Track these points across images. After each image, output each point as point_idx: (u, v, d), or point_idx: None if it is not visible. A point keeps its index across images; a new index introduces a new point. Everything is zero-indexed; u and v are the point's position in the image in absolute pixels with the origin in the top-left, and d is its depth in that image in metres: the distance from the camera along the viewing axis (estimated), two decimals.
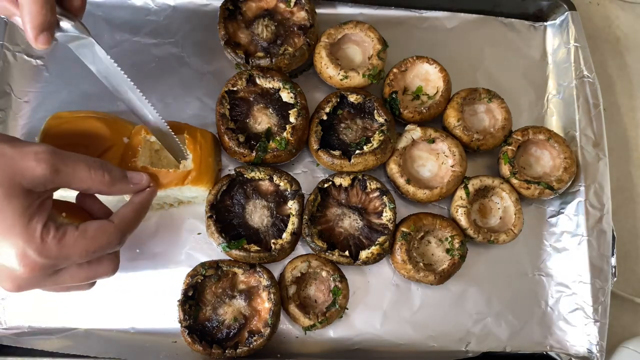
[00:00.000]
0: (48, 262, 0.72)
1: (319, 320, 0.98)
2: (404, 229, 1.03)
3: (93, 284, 0.87)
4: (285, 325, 1.04)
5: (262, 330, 0.96)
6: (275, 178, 1.02)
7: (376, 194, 1.04)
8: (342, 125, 1.08)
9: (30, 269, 0.71)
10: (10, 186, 0.70)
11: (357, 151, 1.02)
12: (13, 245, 0.70)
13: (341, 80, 1.07)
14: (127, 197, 0.99)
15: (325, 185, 1.04)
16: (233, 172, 1.03)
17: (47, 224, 0.72)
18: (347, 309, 1.04)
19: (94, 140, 0.95)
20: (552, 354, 1.07)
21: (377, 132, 1.04)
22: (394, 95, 1.09)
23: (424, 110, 1.07)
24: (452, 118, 1.08)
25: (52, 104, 1.10)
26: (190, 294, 0.97)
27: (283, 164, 1.08)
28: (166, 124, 0.94)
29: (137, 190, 0.90)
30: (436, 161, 1.10)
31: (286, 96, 1.05)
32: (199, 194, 1.02)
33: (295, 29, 1.11)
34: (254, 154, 1.01)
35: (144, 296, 1.03)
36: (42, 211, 0.73)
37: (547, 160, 1.12)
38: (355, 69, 1.07)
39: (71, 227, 0.75)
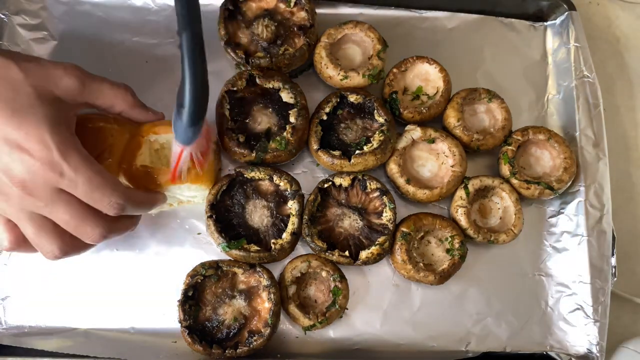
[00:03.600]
0: (59, 166, 0.73)
1: (319, 320, 0.98)
2: (404, 229, 1.03)
3: (72, 244, 0.83)
4: (285, 325, 1.04)
5: (262, 330, 0.96)
6: (275, 178, 1.02)
7: (376, 194, 1.04)
8: (342, 125, 1.08)
9: (41, 162, 0.72)
10: (43, 90, 0.76)
11: (357, 151, 1.02)
12: (37, 136, 0.72)
13: (341, 80, 1.07)
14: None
15: (325, 185, 1.04)
16: (233, 172, 1.03)
17: (75, 137, 0.77)
18: (347, 309, 1.04)
19: (94, 139, 0.95)
20: (552, 354, 1.07)
21: (377, 132, 1.04)
22: (394, 95, 1.09)
23: (424, 110, 1.07)
24: (452, 118, 1.08)
25: None
26: (190, 294, 0.97)
27: (283, 164, 1.08)
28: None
29: (152, 119, 0.96)
30: (436, 161, 1.10)
31: (286, 96, 1.05)
32: (198, 194, 1.02)
33: (295, 29, 1.11)
34: (254, 154, 1.01)
35: (144, 296, 1.03)
36: (71, 123, 0.79)
37: (547, 160, 1.12)
38: (355, 69, 1.07)
39: (92, 158, 0.78)
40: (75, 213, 0.77)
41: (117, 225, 0.86)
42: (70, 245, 0.82)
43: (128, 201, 0.81)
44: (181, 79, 0.77)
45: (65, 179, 0.74)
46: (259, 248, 0.99)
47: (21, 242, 0.82)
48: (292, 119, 1.03)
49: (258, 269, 0.99)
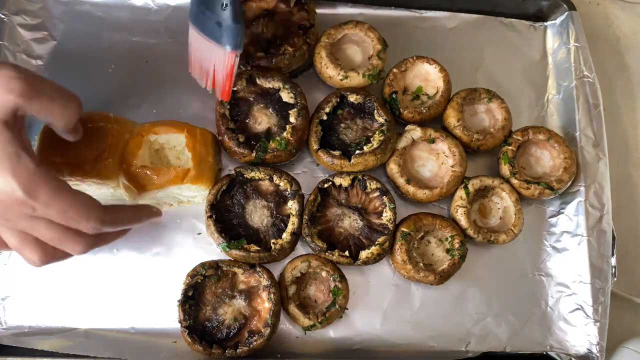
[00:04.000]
0: (29, 203, 0.69)
1: (319, 320, 0.98)
2: (404, 229, 1.03)
3: (54, 254, 0.81)
4: (285, 325, 1.04)
5: (262, 330, 0.96)
6: (275, 178, 1.02)
7: (376, 194, 1.04)
8: (342, 125, 1.08)
9: (10, 201, 0.68)
10: None
11: (357, 151, 1.02)
12: (1, 177, 0.67)
13: (341, 80, 1.07)
14: (125, 196, 0.99)
15: (325, 185, 1.04)
16: (233, 172, 1.03)
17: (39, 164, 0.70)
18: (347, 309, 1.04)
19: (94, 139, 0.95)
20: (552, 354, 1.07)
21: (377, 132, 1.04)
22: (394, 95, 1.09)
23: (424, 110, 1.07)
24: (452, 118, 1.08)
25: None
26: (190, 294, 0.97)
27: (283, 164, 1.08)
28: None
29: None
30: (436, 161, 1.10)
31: (286, 96, 1.05)
32: (198, 194, 1.02)
33: (295, 29, 1.11)
34: (254, 154, 1.01)
35: (144, 296, 1.03)
36: (27, 144, 0.71)
37: (547, 160, 1.12)
38: (355, 69, 1.07)
39: (65, 183, 0.73)
40: (55, 233, 0.75)
41: (101, 239, 0.84)
42: (52, 255, 0.80)
43: (105, 224, 0.78)
44: None
45: (39, 211, 0.71)
46: (259, 248, 0.99)
47: (2, 247, 0.81)
48: (292, 119, 1.03)
49: (258, 269, 0.99)
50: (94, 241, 0.81)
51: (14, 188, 0.67)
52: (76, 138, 0.87)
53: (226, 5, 0.81)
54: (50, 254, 0.79)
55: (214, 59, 0.92)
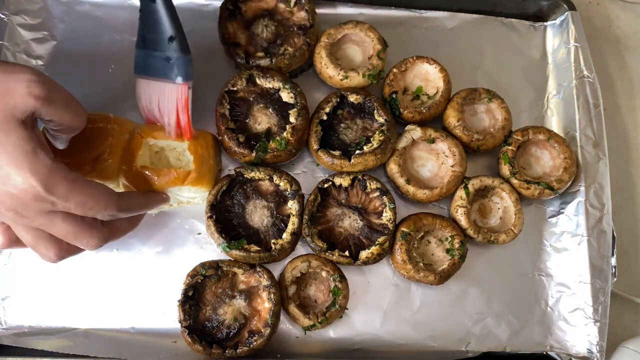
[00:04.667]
0: (48, 199, 0.70)
1: (319, 320, 0.98)
2: (404, 229, 1.03)
3: (68, 250, 0.82)
4: (285, 325, 1.04)
5: (262, 330, 0.96)
6: (275, 178, 1.02)
7: (376, 194, 1.04)
8: (342, 125, 1.08)
9: (29, 198, 0.69)
10: (6, 119, 0.68)
11: (357, 151, 1.02)
12: (18, 177, 0.68)
13: (341, 80, 1.07)
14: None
15: (325, 185, 1.04)
16: (233, 172, 1.03)
17: (55, 161, 0.71)
18: (347, 309, 1.04)
19: (94, 139, 0.95)
20: (552, 354, 1.07)
21: (377, 132, 1.04)
22: (394, 95, 1.09)
23: (424, 110, 1.07)
24: (452, 118, 1.08)
25: None
26: (190, 294, 0.97)
27: (283, 164, 1.08)
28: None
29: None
30: (436, 161, 1.10)
31: (286, 96, 1.05)
32: (198, 195, 1.02)
33: (295, 29, 1.11)
34: (254, 154, 1.01)
35: (144, 296, 1.03)
36: (42, 140, 0.72)
37: (547, 160, 1.12)
38: (355, 69, 1.07)
39: (79, 175, 0.74)
40: (71, 227, 0.76)
41: (115, 231, 0.86)
42: (67, 250, 0.81)
43: (121, 210, 0.80)
44: (151, 22, 0.82)
45: (58, 206, 0.72)
46: (259, 248, 0.99)
47: (13, 243, 0.81)
48: (292, 119, 1.03)
49: (258, 269, 0.99)
50: (108, 235, 0.83)
51: (33, 185, 0.69)
52: (64, 146, 0.88)
53: (172, 38, 0.85)
54: (65, 249, 0.81)
55: (168, 98, 0.95)
